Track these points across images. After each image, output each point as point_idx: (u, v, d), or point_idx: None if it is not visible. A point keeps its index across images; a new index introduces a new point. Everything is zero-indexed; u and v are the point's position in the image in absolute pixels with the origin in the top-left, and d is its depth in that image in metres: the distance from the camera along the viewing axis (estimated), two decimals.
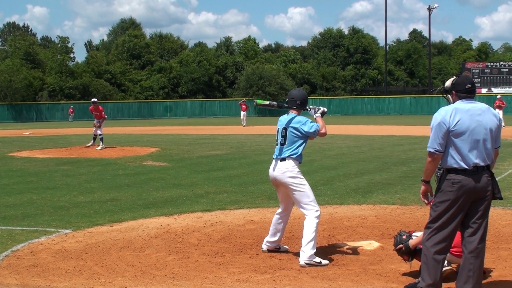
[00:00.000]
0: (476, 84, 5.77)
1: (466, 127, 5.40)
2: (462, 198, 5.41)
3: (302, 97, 7.39)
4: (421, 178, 5.72)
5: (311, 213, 7.04)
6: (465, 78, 5.71)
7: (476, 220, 5.51)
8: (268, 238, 7.52)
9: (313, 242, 6.88)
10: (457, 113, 5.45)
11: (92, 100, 24.63)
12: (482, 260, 5.57)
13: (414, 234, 6.45)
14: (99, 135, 23.53)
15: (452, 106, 5.55)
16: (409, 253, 6.31)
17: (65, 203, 11.45)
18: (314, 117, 7.36)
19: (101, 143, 23.36)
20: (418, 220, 9.07)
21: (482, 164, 5.43)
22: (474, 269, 5.46)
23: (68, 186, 13.75)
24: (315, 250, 6.90)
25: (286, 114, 7.41)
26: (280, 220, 7.48)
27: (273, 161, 7.32)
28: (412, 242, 6.26)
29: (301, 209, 7.17)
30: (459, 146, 5.41)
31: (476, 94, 5.76)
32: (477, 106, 5.53)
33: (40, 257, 7.37)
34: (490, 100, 70.93)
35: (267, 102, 7.58)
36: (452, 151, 5.45)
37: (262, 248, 7.56)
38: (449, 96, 5.80)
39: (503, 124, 36.99)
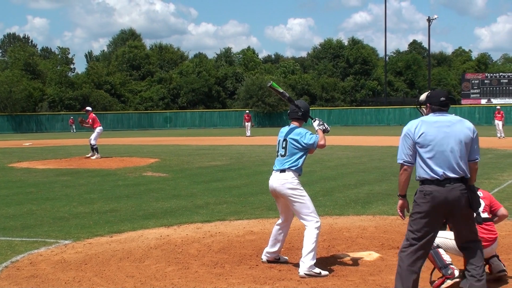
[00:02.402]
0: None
1: (431, 139, 5.47)
2: (434, 210, 5.44)
3: (304, 108, 7.42)
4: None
5: (311, 224, 7.05)
6: (439, 91, 5.80)
7: (469, 242, 5.63)
8: (267, 249, 7.52)
9: (313, 253, 6.89)
10: (423, 125, 5.55)
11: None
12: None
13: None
14: (93, 145, 23.72)
15: (420, 118, 5.66)
16: None
17: (65, 214, 11.45)
18: (316, 128, 7.37)
19: (96, 153, 23.52)
20: None
21: (452, 175, 5.43)
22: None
23: (67, 197, 13.75)
24: (315, 261, 6.90)
25: (287, 126, 7.44)
26: (281, 231, 7.48)
27: (273, 172, 7.34)
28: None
29: (301, 220, 7.18)
30: (426, 156, 5.48)
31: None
32: (447, 118, 5.58)
33: (39, 268, 7.37)
34: (489, 111, 71.01)
35: (281, 90, 7.44)
36: (421, 162, 5.53)
37: (261, 258, 7.56)
38: (423, 109, 5.94)
39: (502, 135, 37.09)
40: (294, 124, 7.39)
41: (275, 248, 7.45)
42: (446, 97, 5.67)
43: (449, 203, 5.41)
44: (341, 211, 11.31)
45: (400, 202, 5.73)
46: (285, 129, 7.42)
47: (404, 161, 5.57)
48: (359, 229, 9.49)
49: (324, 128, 7.38)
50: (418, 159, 5.54)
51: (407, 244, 5.59)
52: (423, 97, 5.99)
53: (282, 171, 7.20)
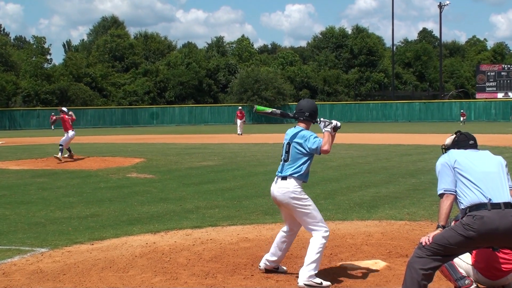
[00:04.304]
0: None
1: (470, 164, 5.74)
2: (480, 237, 5.44)
3: (311, 108, 7.32)
4: (437, 223, 5.77)
5: (318, 233, 7.02)
6: (467, 135, 6.16)
7: None
8: (268, 257, 7.47)
9: (316, 264, 6.86)
10: (457, 153, 5.89)
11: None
12: None
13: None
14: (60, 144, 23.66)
15: (450, 150, 6.03)
16: None
17: (41, 219, 11.43)
18: (323, 131, 7.15)
19: (60, 153, 23.36)
20: None
21: (501, 200, 5.53)
22: None
23: (44, 200, 13.73)
24: (316, 271, 6.89)
25: (293, 127, 7.35)
26: (284, 239, 7.43)
27: (275, 178, 7.25)
28: None
29: (308, 230, 7.15)
30: (470, 181, 5.65)
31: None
32: (477, 150, 5.99)
33: (13, 278, 7.36)
34: (507, 106, 71.17)
35: (269, 110, 7.38)
36: (466, 188, 5.65)
37: (259, 266, 7.53)
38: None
39: None
40: (300, 125, 7.28)
41: (276, 257, 7.41)
42: (474, 139, 6.10)
43: (500, 232, 5.43)
44: (345, 215, 11.33)
45: (437, 232, 5.68)
46: (290, 131, 7.32)
47: (445, 190, 5.74)
48: (364, 236, 9.50)
49: (330, 130, 7.09)
50: (462, 186, 5.68)
51: (425, 254, 5.57)
52: (448, 141, 6.29)
53: (284, 178, 7.11)
